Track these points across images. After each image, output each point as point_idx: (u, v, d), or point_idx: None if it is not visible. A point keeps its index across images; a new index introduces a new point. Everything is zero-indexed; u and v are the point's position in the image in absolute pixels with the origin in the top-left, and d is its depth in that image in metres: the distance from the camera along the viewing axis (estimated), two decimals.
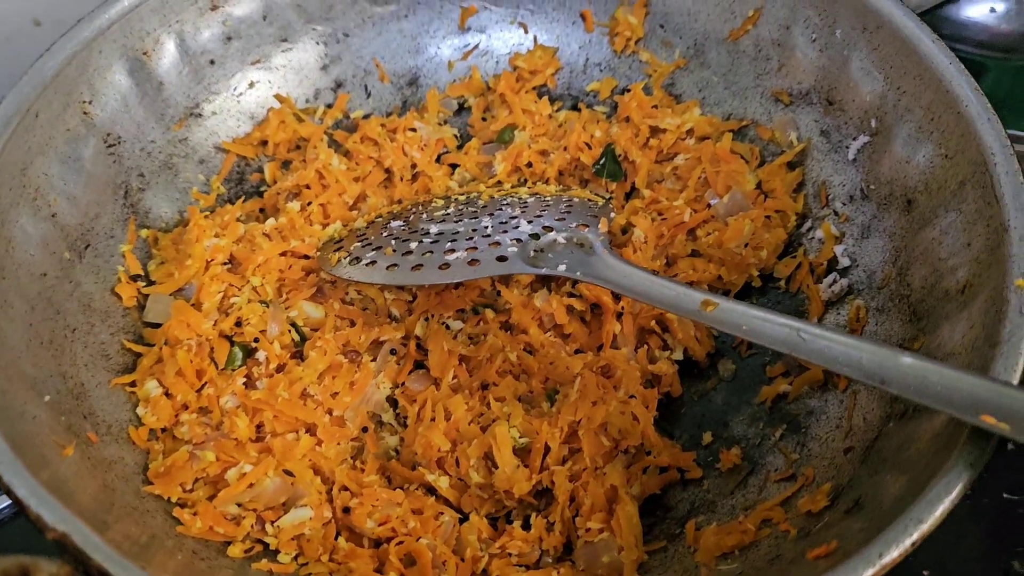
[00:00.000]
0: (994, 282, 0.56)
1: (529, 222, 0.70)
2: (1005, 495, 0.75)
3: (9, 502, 0.70)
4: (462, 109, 0.90)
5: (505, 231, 0.69)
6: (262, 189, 0.83)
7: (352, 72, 0.89)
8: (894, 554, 0.44)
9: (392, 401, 0.70)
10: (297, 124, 0.85)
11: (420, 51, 0.90)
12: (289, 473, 0.62)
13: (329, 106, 0.88)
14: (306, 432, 0.66)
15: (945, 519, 0.45)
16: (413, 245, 0.69)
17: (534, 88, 0.88)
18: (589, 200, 0.76)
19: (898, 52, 0.69)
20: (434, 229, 0.71)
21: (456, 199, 0.76)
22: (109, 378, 0.67)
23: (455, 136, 0.87)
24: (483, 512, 0.63)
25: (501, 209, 0.72)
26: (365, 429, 0.68)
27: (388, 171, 0.83)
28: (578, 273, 0.65)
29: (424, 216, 0.73)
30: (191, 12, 0.79)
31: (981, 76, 0.94)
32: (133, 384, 0.67)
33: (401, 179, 0.83)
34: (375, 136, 0.83)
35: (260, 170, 0.84)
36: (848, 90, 0.74)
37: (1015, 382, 0.51)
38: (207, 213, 0.78)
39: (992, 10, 0.93)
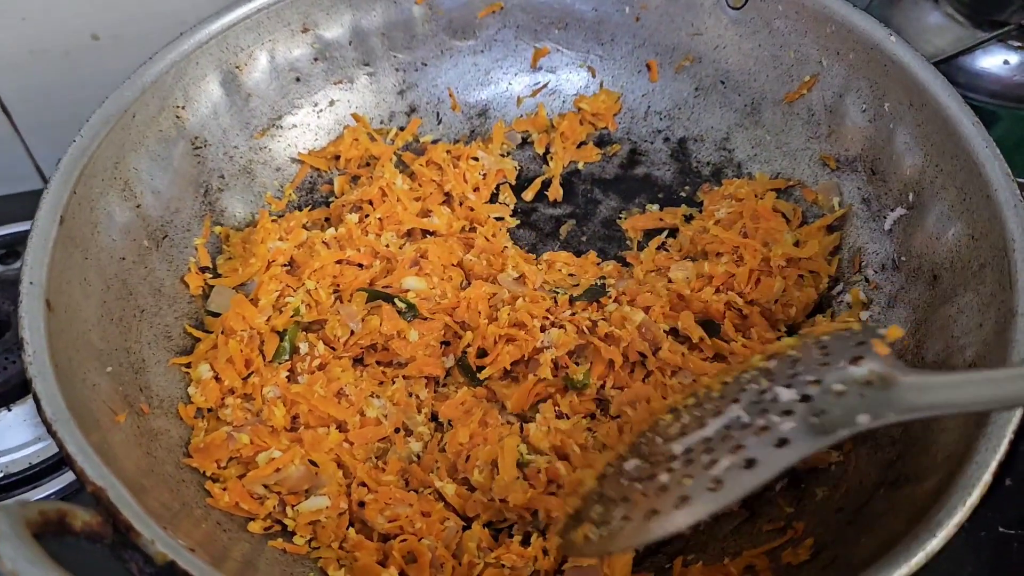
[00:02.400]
0: (996, 363, 0.58)
1: (787, 387, 0.55)
2: (1001, 529, 0.77)
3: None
4: (525, 143, 0.95)
5: (764, 410, 0.55)
6: (330, 200, 0.90)
7: (426, 99, 0.95)
8: None
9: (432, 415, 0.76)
10: (369, 143, 0.91)
11: (492, 84, 0.95)
12: (314, 463, 0.68)
13: (401, 128, 0.94)
14: (336, 428, 0.71)
15: None
16: (664, 478, 0.54)
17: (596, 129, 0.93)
18: (841, 332, 0.60)
19: (939, 130, 0.71)
20: (678, 449, 0.56)
21: (683, 406, 0.61)
22: (168, 357, 0.73)
23: (515, 168, 0.92)
24: (483, 519, 0.67)
25: (745, 390, 0.57)
26: (398, 430, 0.73)
27: (448, 195, 0.88)
28: (891, 415, 0.51)
29: (658, 440, 0.58)
30: (283, 32, 0.87)
31: (993, 124, 0.95)
32: (188, 365, 0.74)
33: (460, 204, 0.88)
34: (440, 161, 0.89)
35: (330, 182, 0.91)
36: (891, 162, 0.76)
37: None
38: (276, 218, 0.84)
39: (1006, 62, 0.92)
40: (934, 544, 0.49)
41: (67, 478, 0.80)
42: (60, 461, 0.80)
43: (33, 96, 1.02)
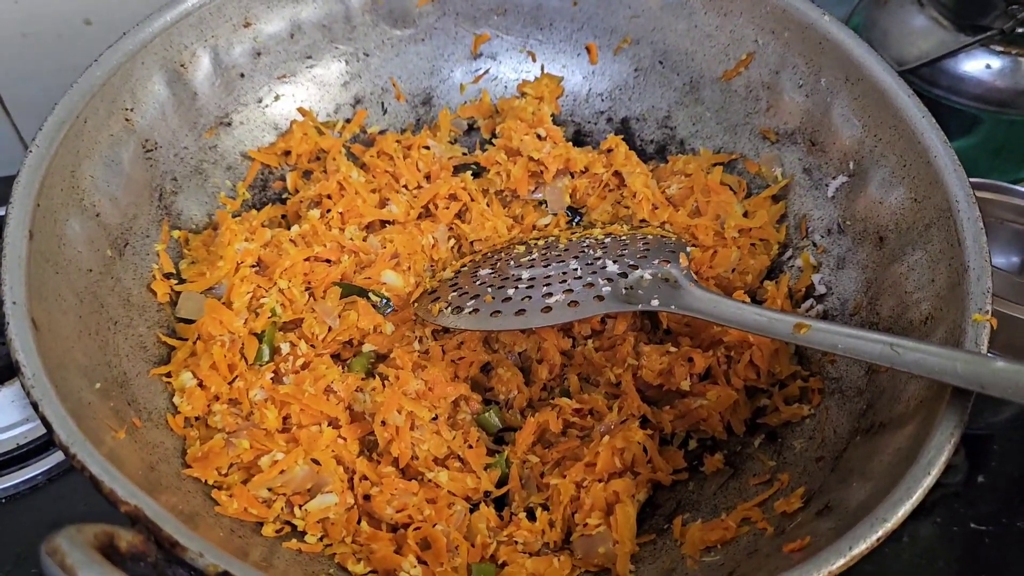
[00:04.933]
0: (953, 316, 0.64)
1: (614, 261, 0.74)
2: (973, 525, 0.83)
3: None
4: (471, 129, 0.96)
5: (594, 272, 0.74)
6: (284, 196, 0.89)
7: (370, 90, 0.95)
8: (862, 547, 0.51)
9: None
10: (318, 136, 0.90)
11: (435, 73, 0.96)
12: (316, 462, 0.68)
13: (348, 121, 0.94)
14: (328, 425, 0.72)
15: (905, 520, 0.53)
16: (511, 292, 0.73)
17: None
18: (663, 237, 0.80)
19: (876, 103, 0.77)
20: (525, 275, 0.75)
21: (536, 243, 0.81)
22: (147, 368, 0.72)
23: (463, 154, 0.93)
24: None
25: (583, 251, 0.77)
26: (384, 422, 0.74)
27: (404, 185, 0.89)
28: (672, 307, 0.70)
29: (511, 263, 0.78)
30: (225, 28, 0.85)
31: (976, 127, 1.03)
32: (168, 375, 0.73)
33: (415, 192, 0.89)
34: (391, 151, 0.90)
35: (283, 178, 0.90)
36: (829, 133, 0.82)
37: None
38: (236, 218, 0.83)
39: (988, 66, 0.98)
40: (928, 481, 0.54)
41: (53, 459, 0.84)
42: (48, 442, 0.84)
43: (24, 78, 1.04)
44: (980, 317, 0.62)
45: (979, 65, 0.99)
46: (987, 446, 0.90)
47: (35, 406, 0.55)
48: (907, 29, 1.03)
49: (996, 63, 0.98)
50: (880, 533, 0.52)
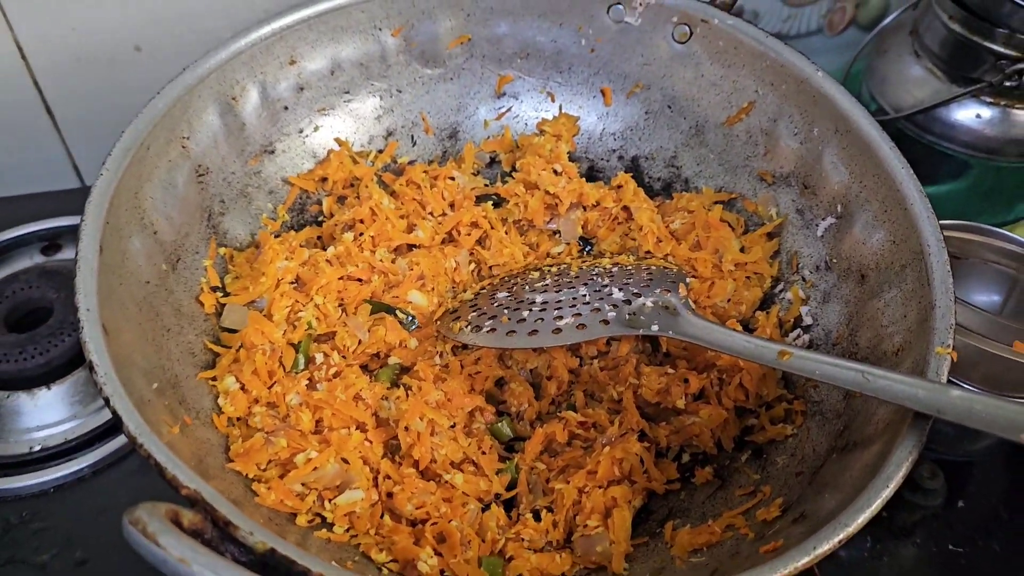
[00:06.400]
0: (920, 348, 0.71)
1: (620, 289, 0.82)
2: (951, 547, 0.88)
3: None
4: (493, 162, 1.05)
5: (601, 298, 0.81)
6: (320, 219, 0.97)
7: (402, 123, 1.03)
8: (825, 547, 0.58)
9: None
10: (352, 165, 0.99)
11: (461, 109, 1.05)
12: (345, 461, 0.76)
13: (380, 151, 1.02)
14: (356, 429, 0.79)
15: (865, 526, 0.60)
16: (525, 314, 0.81)
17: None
18: (665, 268, 0.87)
19: (862, 153, 0.84)
20: (539, 299, 0.83)
21: (549, 270, 0.89)
22: (196, 372, 0.80)
23: (485, 185, 1.01)
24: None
25: (592, 279, 0.85)
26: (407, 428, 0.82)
27: (430, 212, 0.97)
28: (670, 332, 0.77)
29: (526, 288, 0.86)
30: (273, 66, 0.93)
31: (966, 172, 1.08)
32: (214, 379, 0.80)
33: (440, 219, 0.97)
34: (419, 181, 0.98)
35: (319, 202, 0.98)
36: (820, 178, 0.89)
37: None
38: (277, 239, 0.91)
39: (978, 116, 1.03)
40: (887, 492, 0.61)
41: (98, 454, 0.91)
42: (94, 438, 0.92)
43: (76, 100, 1.12)
44: (942, 350, 0.69)
45: (970, 114, 1.05)
46: (968, 473, 0.95)
47: (106, 400, 0.63)
48: (904, 78, 1.10)
49: (986, 113, 1.04)
50: (841, 536, 0.59)
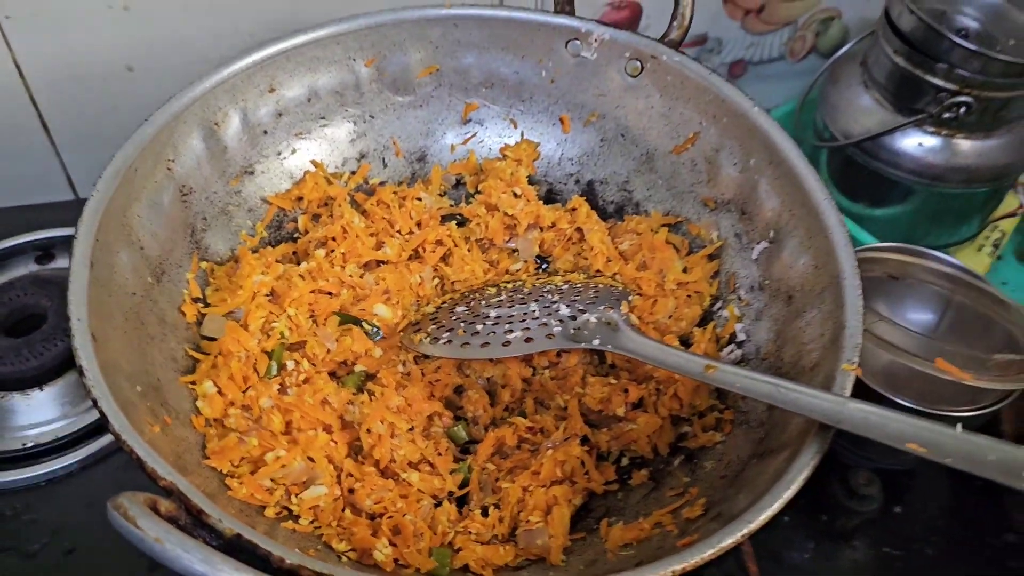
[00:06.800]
0: (830, 364, 0.78)
1: (567, 305, 0.89)
2: (886, 549, 0.91)
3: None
4: (458, 184, 1.12)
5: (549, 314, 0.89)
6: (296, 235, 1.04)
7: (374, 147, 1.10)
8: (729, 541, 0.65)
9: None
10: (327, 186, 1.06)
11: (429, 134, 1.12)
12: (311, 459, 0.83)
13: (353, 172, 1.09)
14: (323, 430, 0.86)
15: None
16: (479, 327, 0.89)
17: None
18: (611, 286, 0.95)
19: (791, 184, 0.91)
20: (493, 313, 0.91)
21: (505, 287, 0.97)
22: (176, 377, 0.86)
23: (450, 206, 1.09)
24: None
25: (543, 296, 0.93)
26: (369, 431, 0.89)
27: (398, 230, 1.04)
28: (609, 346, 0.84)
29: (483, 303, 0.93)
30: (253, 93, 1.00)
31: (911, 196, 1.15)
32: (193, 383, 0.88)
33: (407, 236, 1.04)
34: (388, 200, 1.05)
35: (295, 220, 1.05)
36: (756, 206, 0.96)
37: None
38: (255, 254, 0.99)
39: (920, 144, 1.09)
40: (789, 494, 0.69)
41: (85, 451, 0.96)
42: (82, 436, 0.98)
43: (71, 117, 1.18)
44: (848, 367, 0.76)
45: (913, 143, 1.12)
46: (907, 480, 0.99)
47: (95, 402, 0.70)
48: (854, 107, 1.17)
49: (928, 142, 1.11)
50: (745, 531, 0.66)
